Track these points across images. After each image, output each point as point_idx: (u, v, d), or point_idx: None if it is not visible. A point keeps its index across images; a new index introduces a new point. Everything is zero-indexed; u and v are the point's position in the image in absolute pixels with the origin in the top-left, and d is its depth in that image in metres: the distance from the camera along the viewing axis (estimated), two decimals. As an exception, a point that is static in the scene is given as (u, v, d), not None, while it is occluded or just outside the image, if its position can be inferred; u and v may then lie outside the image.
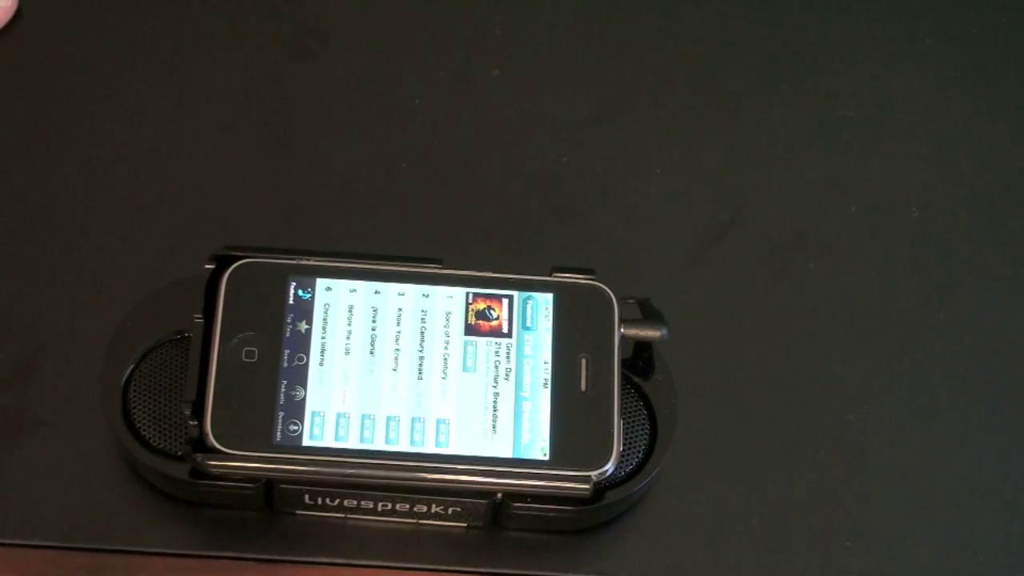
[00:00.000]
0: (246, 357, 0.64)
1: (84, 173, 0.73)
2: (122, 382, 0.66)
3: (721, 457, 0.70)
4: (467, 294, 0.66)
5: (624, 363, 0.66)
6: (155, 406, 0.66)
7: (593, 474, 0.64)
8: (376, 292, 0.66)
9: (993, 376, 0.72)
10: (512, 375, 0.65)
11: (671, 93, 0.78)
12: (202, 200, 0.73)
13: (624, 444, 0.65)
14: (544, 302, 0.66)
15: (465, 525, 0.67)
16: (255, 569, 0.66)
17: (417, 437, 0.64)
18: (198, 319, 0.65)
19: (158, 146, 0.74)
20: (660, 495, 0.68)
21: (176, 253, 0.71)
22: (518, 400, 0.65)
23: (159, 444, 0.65)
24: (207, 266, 0.66)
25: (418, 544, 0.66)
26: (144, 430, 0.65)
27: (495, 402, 0.65)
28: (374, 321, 0.65)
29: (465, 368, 0.65)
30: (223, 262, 0.66)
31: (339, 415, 0.64)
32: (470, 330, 0.66)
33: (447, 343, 0.65)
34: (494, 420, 0.64)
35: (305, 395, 0.64)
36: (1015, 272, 0.75)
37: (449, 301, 0.66)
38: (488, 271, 0.67)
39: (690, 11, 0.80)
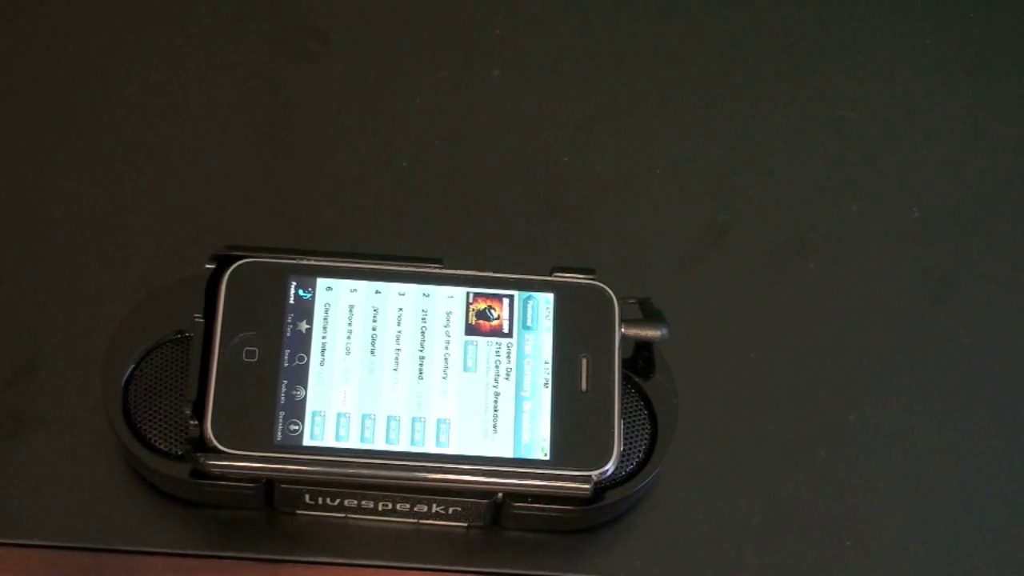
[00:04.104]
0: (247, 357, 0.64)
1: (84, 173, 0.73)
2: (122, 382, 0.66)
3: (721, 457, 0.70)
4: (467, 294, 0.66)
5: (625, 363, 0.66)
6: (155, 406, 0.66)
7: (593, 474, 0.64)
8: (377, 292, 0.66)
9: (993, 376, 0.72)
10: (512, 375, 0.65)
11: (671, 93, 0.78)
12: (202, 200, 0.73)
13: (624, 444, 0.65)
14: (544, 302, 0.66)
15: (465, 525, 0.67)
16: (255, 569, 0.66)
17: (418, 437, 0.64)
18: (199, 319, 0.65)
19: (158, 146, 0.74)
20: (660, 495, 0.68)
21: (176, 253, 0.71)
22: (518, 400, 0.65)
23: (159, 444, 0.65)
24: (208, 266, 0.66)
25: (418, 544, 0.66)
26: (144, 430, 0.65)
27: (495, 402, 0.65)
28: (375, 321, 0.65)
29: (466, 368, 0.65)
30: (224, 262, 0.66)
31: (340, 415, 0.64)
32: (471, 330, 0.66)
33: (448, 343, 0.65)
34: (494, 420, 0.64)
35: (306, 395, 0.64)
36: (1015, 272, 0.75)
37: (449, 301, 0.66)
38: (488, 271, 0.67)
39: (690, 11, 0.80)
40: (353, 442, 0.63)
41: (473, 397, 0.65)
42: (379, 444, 0.63)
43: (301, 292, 0.66)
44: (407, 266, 0.67)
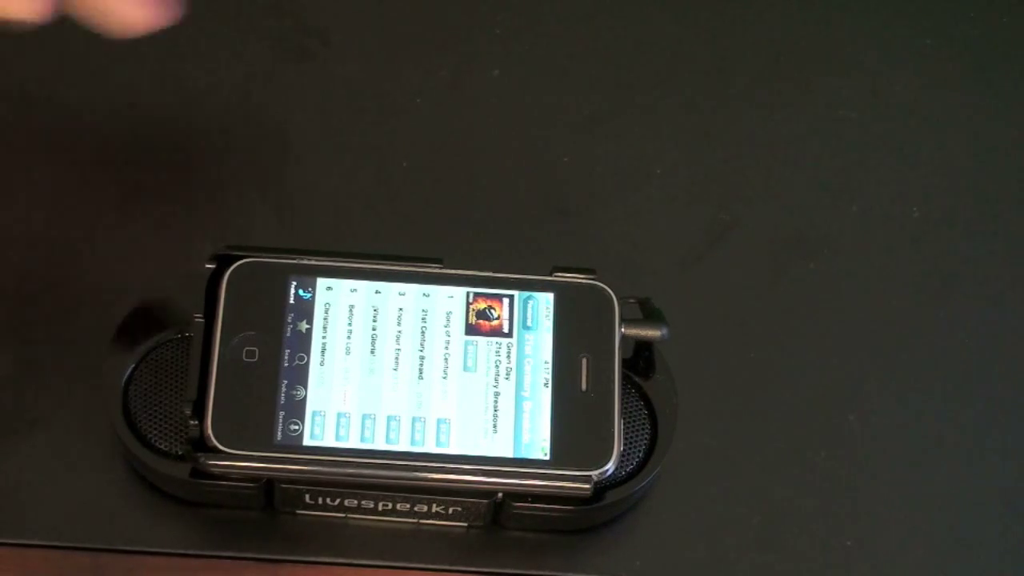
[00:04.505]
0: (247, 357, 0.64)
1: (84, 172, 0.73)
2: (122, 382, 0.66)
3: (721, 457, 0.70)
4: (468, 294, 0.66)
5: (625, 363, 0.66)
6: (155, 406, 0.66)
7: (594, 474, 0.64)
8: (377, 292, 0.66)
9: (993, 376, 0.72)
10: (513, 375, 0.65)
11: (671, 93, 0.78)
12: (202, 200, 0.73)
13: (624, 444, 0.65)
14: (545, 302, 0.66)
15: (465, 525, 0.67)
16: (255, 569, 0.66)
17: (418, 437, 0.64)
18: (199, 319, 0.65)
19: (158, 145, 0.74)
20: (660, 495, 0.68)
21: (176, 253, 0.71)
22: (519, 400, 0.65)
23: (159, 444, 0.65)
24: (207, 266, 0.66)
25: (418, 544, 0.66)
26: (144, 430, 0.65)
27: (495, 402, 0.65)
28: (375, 321, 0.65)
29: (466, 368, 0.65)
30: (224, 262, 0.66)
31: (340, 415, 0.64)
32: (471, 330, 0.66)
33: (448, 343, 0.65)
34: (495, 420, 0.64)
35: (306, 395, 0.64)
36: (1015, 272, 0.75)
37: (450, 301, 0.66)
38: (488, 271, 0.67)
39: (690, 11, 0.80)
40: (353, 442, 0.63)
41: (473, 397, 0.65)
42: (379, 444, 0.63)
43: (301, 292, 0.66)
44: (407, 266, 0.67)
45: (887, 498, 0.69)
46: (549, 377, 0.65)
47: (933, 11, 0.81)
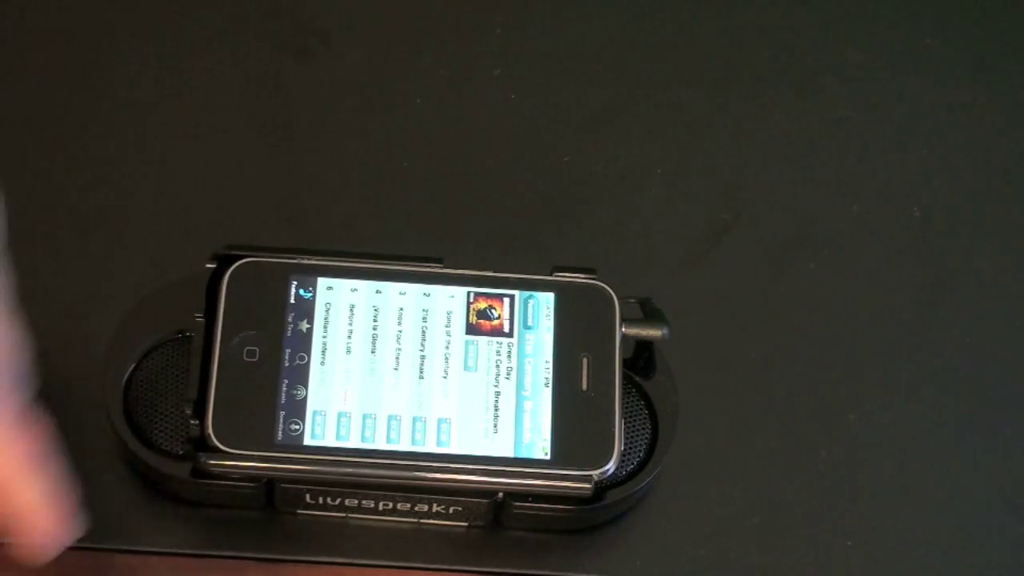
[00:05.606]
0: (247, 356, 0.64)
1: (84, 173, 0.73)
2: (122, 382, 0.66)
3: (721, 457, 0.69)
4: (468, 293, 0.66)
5: (625, 362, 0.66)
6: (156, 406, 0.66)
7: (594, 473, 0.64)
8: (377, 291, 0.66)
9: (993, 376, 0.72)
10: (513, 374, 0.65)
11: (671, 93, 0.78)
12: (202, 200, 0.73)
13: (625, 443, 0.65)
14: (545, 301, 0.66)
15: (466, 524, 0.66)
16: (256, 568, 0.66)
17: (418, 436, 0.64)
18: (199, 318, 0.65)
19: (158, 145, 0.74)
20: (661, 495, 0.68)
21: (176, 253, 0.71)
22: (519, 399, 0.65)
23: (160, 443, 0.65)
24: (208, 265, 0.66)
25: (419, 543, 0.66)
26: (145, 430, 0.65)
27: (496, 401, 0.65)
28: (375, 320, 0.65)
29: (466, 367, 0.65)
30: (224, 261, 0.66)
31: (340, 414, 0.64)
32: (471, 329, 0.66)
33: (448, 342, 0.65)
34: (495, 419, 0.64)
35: (306, 394, 0.64)
36: (1015, 272, 0.75)
37: (450, 300, 0.66)
38: (489, 270, 0.67)
39: (690, 11, 0.80)
40: (354, 442, 0.63)
41: (474, 397, 0.65)
42: (380, 444, 0.63)
43: (302, 291, 0.66)
44: (408, 265, 0.67)
45: (887, 498, 0.69)
46: (550, 377, 0.65)
47: (934, 11, 0.81)
